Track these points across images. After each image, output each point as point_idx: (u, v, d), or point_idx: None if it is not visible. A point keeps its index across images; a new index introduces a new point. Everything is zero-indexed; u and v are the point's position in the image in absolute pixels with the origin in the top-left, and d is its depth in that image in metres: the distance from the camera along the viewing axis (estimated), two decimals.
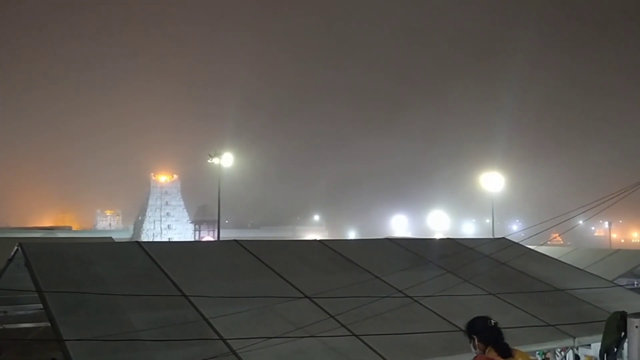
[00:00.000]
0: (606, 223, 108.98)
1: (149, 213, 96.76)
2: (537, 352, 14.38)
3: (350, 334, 9.91)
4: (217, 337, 9.10)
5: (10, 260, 12.79)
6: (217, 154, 45.06)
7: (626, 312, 7.28)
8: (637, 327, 4.38)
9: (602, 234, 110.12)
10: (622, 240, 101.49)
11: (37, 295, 9.91)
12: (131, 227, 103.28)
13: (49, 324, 9.04)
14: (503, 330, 6.74)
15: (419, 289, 12.14)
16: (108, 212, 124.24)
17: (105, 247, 15.86)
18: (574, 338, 11.26)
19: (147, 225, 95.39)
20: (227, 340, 8.98)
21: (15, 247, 12.11)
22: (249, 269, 12.67)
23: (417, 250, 15.55)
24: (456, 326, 10.79)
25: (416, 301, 11.73)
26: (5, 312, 23.67)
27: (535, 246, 20.90)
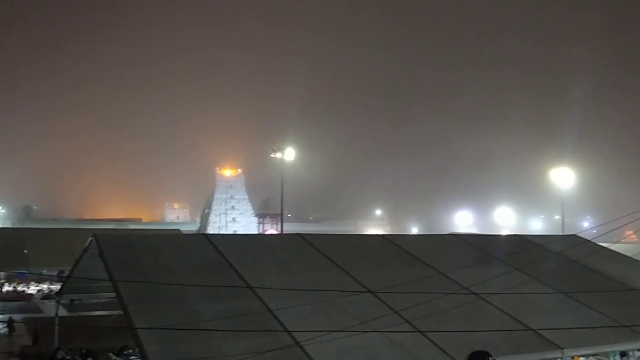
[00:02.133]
0: None
1: (214, 206, 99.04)
2: (611, 354, 13.79)
3: (414, 329, 9.81)
4: (282, 329, 9.21)
5: (85, 250, 13.40)
6: (280, 149, 45.55)
7: None
8: None
9: None
10: None
11: (109, 284, 10.32)
12: (198, 219, 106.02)
13: (121, 312, 9.39)
14: (574, 329, 6.50)
15: (485, 286, 11.86)
16: (176, 205, 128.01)
17: (173, 239, 16.36)
18: None
19: (213, 218, 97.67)
20: (292, 333, 9.06)
21: (90, 238, 12.65)
22: (312, 263, 12.74)
23: (483, 247, 15.22)
24: (524, 325, 10.50)
25: (482, 298, 11.47)
26: (80, 299, 24.87)
27: (608, 244, 20.02)
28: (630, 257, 16.57)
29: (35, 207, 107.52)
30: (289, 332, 9.11)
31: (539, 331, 10.10)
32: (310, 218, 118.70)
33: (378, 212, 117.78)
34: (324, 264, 12.68)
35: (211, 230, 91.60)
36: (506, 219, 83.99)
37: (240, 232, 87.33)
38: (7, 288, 34.09)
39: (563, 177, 47.43)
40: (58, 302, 17.51)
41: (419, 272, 12.64)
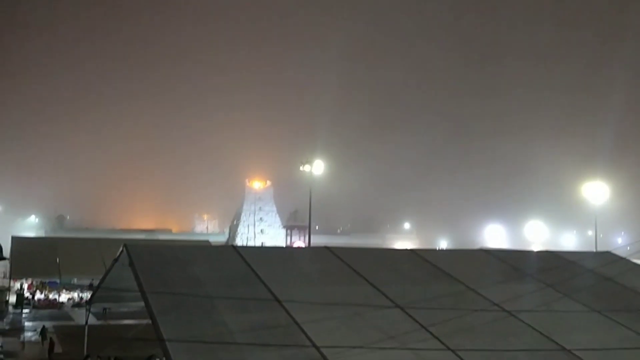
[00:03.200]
0: None
1: (243, 217, 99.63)
2: None
3: (444, 347, 9.66)
4: (310, 343, 9.16)
5: (115, 260, 13.57)
6: (309, 162, 45.74)
7: None
8: None
9: None
10: None
11: (139, 293, 10.42)
12: (227, 230, 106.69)
13: (149, 322, 9.47)
14: (608, 350, 6.33)
15: (516, 302, 11.65)
16: (205, 216, 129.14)
17: (202, 250, 16.47)
18: None
19: (241, 229, 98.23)
20: (320, 348, 9.00)
21: (121, 248, 12.81)
22: (340, 276, 12.68)
23: (514, 263, 14.96)
24: (557, 343, 10.27)
25: (513, 315, 11.26)
26: (109, 308, 25.19)
27: None
28: None
29: (68, 217, 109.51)
30: (317, 347, 9.05)
31: (573, 350, 9.86)
32: (338, 231, 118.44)
33: (407, 225, 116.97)
34: (352, 277, 12.61)
35: (239, 241, 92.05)
36: (537, 234, 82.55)
37: (268, 243, 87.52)
38: (39, 296, 34.73)
39: (596, 191, 46.51)
40: (88, 310, 17.74)
41: (449, 288, 12.48)
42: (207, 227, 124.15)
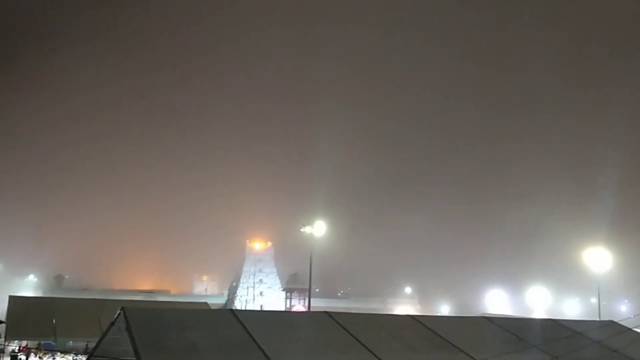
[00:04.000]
0: None
1: (242, 279, 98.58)
2: None
3: None
4: None
5: (112, 323, 13.38)
6: (310, 223, 45.72)
7: None
8: None
9: None
10: None
11: (134, 358, 10.22)
12: (226, 292, 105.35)
13: None
14: None
15: None
16: (204, 277, 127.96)
17: (200, 315, 16.25)
18: None
19: (240, 292, 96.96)
20: None
21: (118, 311, 12.66)
22: (339, 343, 12.46)
23: (516, 331, 14.70)
24: None
25: None
26: None
27: None
28: None
29: (67, 277, 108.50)
30: None
31: None
32: (339, 294, 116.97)
33: (408, 289, 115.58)
34: (351, 344, 12.40)
35: (238, 303, 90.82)
36: (540, 301, 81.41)
37: (267, 306, 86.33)
38: (33, 359, 33.98)
39: (599, 258, 46.18)
40: None
41: (449, 357, 12.24)
42: (206, 289, 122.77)
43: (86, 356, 19.99)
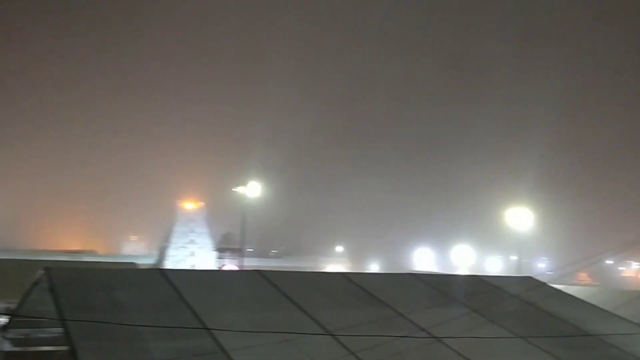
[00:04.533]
0: (635, 264, 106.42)
1: (173, 239, 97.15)
2: None
3: None
4: None
5: (35, 283, 12.92)
6: (244, 183, 45.49)
7: None
8: None
9: (630, 274, 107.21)
10: None
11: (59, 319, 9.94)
12: (155, 252, 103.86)
13: (68, 349, 9.05)
14: None
15: (443, 328, 11.88)
16: (133, 238, 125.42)
17: (128, 274, 15.92)
18: None
19: (171, 252, 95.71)
20: None
21: (41, 272, 12.23)
22: (271, 301, 12.56)
23: (442, 287, 15.28)
24: None
25: (440, 341, 11.47)
26: (27, 334, 23.86)
27: (562, 286, 20.39)
28: (583, 300, 16.86)
29: None
30: None
31: None
32: (271, 253, 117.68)
33: (339, 248, 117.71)
34: (284, 302, 12.52)
35: (169, 264, 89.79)
36: (465, 258, 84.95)
37: (198, 266, 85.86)
38: None
39: (520, 217, 48.37)
40: (3, 337, 16.74)
41: (379, 313, 12.59)
42: (134, 249, 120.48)
43: (8, 317, 19.29)
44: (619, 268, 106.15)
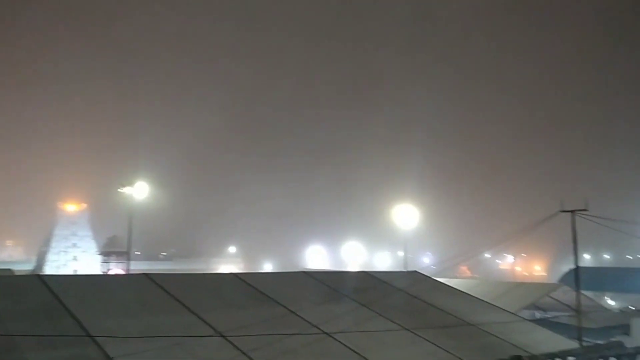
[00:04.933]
0: (510, 257, 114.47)
1: (53, 243, 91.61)
2: None
3: None
4: None
5: None
6: (130, 183, 43.70)
7: (521, 357, 7.45)
8: None
9: (506, 267, 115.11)
10: (526, 274, 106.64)
11: None
12: (34, 258, 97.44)
13: None
14: None
15: (334, 323, 12.12)
16: (9, 242, 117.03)
17: (3, 281, 14.81)
18: None
19: (51, 257, 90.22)
20: None
21: None
22: (159, 305, 12.18)
23: (332, 284, 15.57)
24: None
25: (330, 336, 11.68)
26: None
27: (445, 279, 21.51)
28: (464, 292, 17.90)
29: None
30: None
31: None
32: (160, 256, 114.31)
33: (232, 249, 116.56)
34: (173, 305, 12.17)
35: (49, 269, 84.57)
36: (355, 255, 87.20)
37: (81, 271, 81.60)
38: None
39: (406, 214, 50.41)
40: None
41: (271, 312, 12.60)
42: (10, 255, 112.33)
43: None
44: (496, 261, 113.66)
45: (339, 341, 11.55)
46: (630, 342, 18.79)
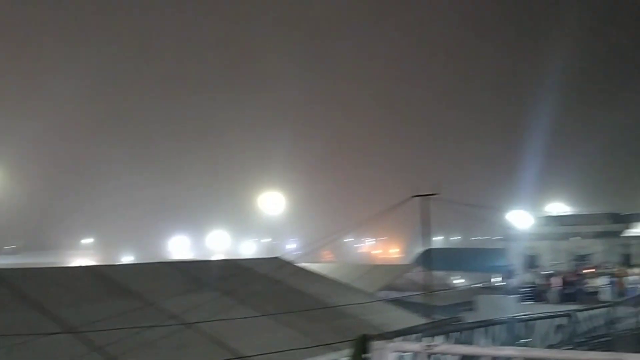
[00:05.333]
0: (370, 240, 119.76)
1: None
2: None
3: None
4: None
5: None
6: None
7: (369, 335, 7.74)
8: (377, 349, 4.82)
9: (366, 250, 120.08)
10: (384, 256, 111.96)
11: None
12: None
13: None
14: (285, 352, 6.87)
15: (195, 313, 11.90)
16: None
17: None
18: (339, 351, 11.99)
19: None
20: None
21: None
22: (2, 302, 11.23)
23: (194, 273, 15.31)
24: (231, 349, 10.79)
25: (191, 327, 11.47)
26: None
27: (307, 264, 21.97)
28: (325, 275, 18.43)
29: None
30: None
31: (250, 356, 10.48)
32: (6, 249, 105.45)
33: (88, 240, 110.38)
34: (17, 302, 11.29)
35: None
36: (220, 243, 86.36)
37: None
38: None
39: (272, 201, 50.84)
40: None
41: (127, 304, 12.09)
42: None
43: None
44: (356, 245, 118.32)
45: (200, 331, 11.39)
46: (475, 317, 20.51)
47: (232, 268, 16.26)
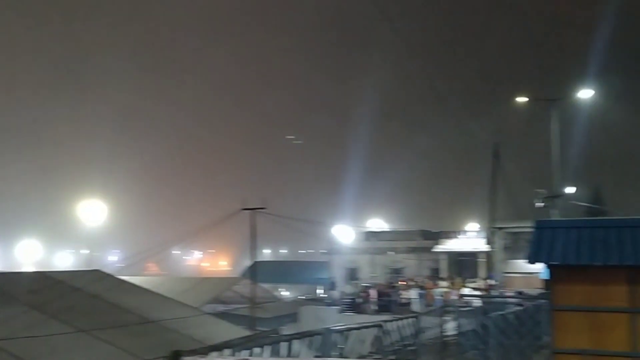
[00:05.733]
0: (198, 252, 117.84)
1: None
2: None
3: None
4: None
5: None
6: None
7: (181, 351, 7.67)
8: None
9: (194, 262, 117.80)
10: (213, 269, 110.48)
11: None
12: None
13: None
14: None
15: None
16: None
17: None
18: None
19: None
20: None
21: None
22: None
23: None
24: None
25: None
26: None
27: (129, 277, 21.07)
28: (148, 289, 17.75)
29: None
30: None
31: None
32: None
33: None
34: None
35: None
36: (30, 254, 79.29)
37: None
38: None
39: (94, 210, 47.80)
40: None
41: None
42: None
43: None
44: (184, 257, 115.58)
45: (3, 349, 10.38)
46: (297, 328, 21.11)
47: (44, 280, 15.03)
